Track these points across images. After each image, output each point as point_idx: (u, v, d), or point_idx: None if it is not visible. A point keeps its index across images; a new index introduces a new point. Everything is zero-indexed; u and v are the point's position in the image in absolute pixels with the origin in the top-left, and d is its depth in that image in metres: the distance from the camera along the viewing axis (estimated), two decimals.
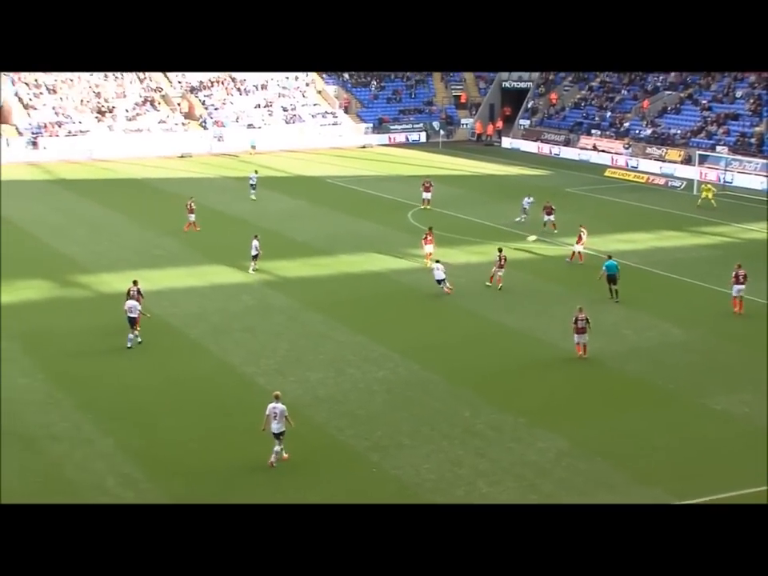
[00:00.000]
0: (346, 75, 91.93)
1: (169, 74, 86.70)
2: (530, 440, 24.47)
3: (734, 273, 35.07)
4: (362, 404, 26.78)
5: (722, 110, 72.64)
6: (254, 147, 77.18)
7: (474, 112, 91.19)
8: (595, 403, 27.23)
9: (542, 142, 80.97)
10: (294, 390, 27.10)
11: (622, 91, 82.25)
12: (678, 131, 72.98)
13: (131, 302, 31.27)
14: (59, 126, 76.90)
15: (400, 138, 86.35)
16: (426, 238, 41.58)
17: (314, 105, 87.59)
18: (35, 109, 78.52)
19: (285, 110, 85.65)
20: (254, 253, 40.16)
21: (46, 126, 76.34)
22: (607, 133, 77.70)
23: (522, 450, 23.88)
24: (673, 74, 79.40)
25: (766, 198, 58.04)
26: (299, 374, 28.86)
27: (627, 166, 70.90)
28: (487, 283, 38.27)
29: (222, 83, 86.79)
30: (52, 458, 23.51)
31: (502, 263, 37.89)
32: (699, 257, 44.36)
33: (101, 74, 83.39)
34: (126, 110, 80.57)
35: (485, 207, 55.36)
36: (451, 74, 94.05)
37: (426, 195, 54.83)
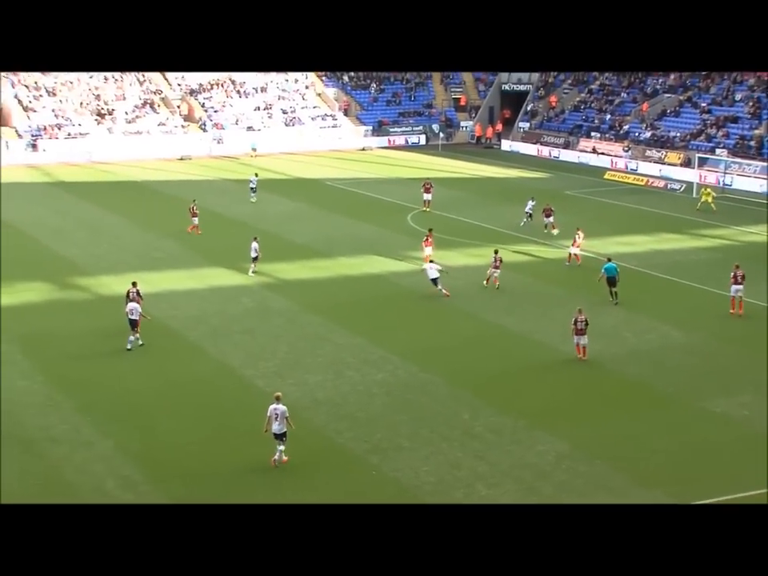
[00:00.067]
0: (346, 78, 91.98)
1: (168, 76, 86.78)
2: (529, 442, 24.46)
3: (732, 273, 35.18)
4: (361, 406, 26.77)
5: (722, 112, 72.68)
6: (254, 150, 77.25)
7: (473, 115, 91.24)
8: (595, 406, 27.23)
9: (541, 144, 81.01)
10: (293, 392, 27.08)
11: (622, 94, 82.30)
12: (678, 134, 73.02)
13: (132, 304, 31.29)
14: (59, 129, 76.92)
15: (399, 140, 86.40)
16: (426, 239, 41.63)
17: (314, 107, 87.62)
18: (35, 111, 78.54)
19: (284, 112, 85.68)
20: (253, 255, 40.19)
21: (45, 129, 76.36)
22: (607, 135, 77.75)
23: (522, 453, 23.87)
24: (672, 76, 79.49)
25: (765, 201, 58.08)
26: (298, 377, 28.85)
27: (627, 168, 70.93)
28: (483, 284, 38.41)
29: (222, 86, 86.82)
30: (51, 460, 23.50)
31: (498, 264, 38.08)
32: (698, 259, 44.38)
33: (100, 77, 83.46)
34: (126, 113, 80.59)
35: (484, 210, 55.38)
36: (451, 77, 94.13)
37: (427, 196, 54.94)
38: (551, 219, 48.30)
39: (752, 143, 67.97)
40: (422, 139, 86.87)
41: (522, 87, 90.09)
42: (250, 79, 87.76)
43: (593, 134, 78.73)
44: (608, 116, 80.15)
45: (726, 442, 24.79)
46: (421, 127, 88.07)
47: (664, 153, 71.44)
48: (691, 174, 64.32)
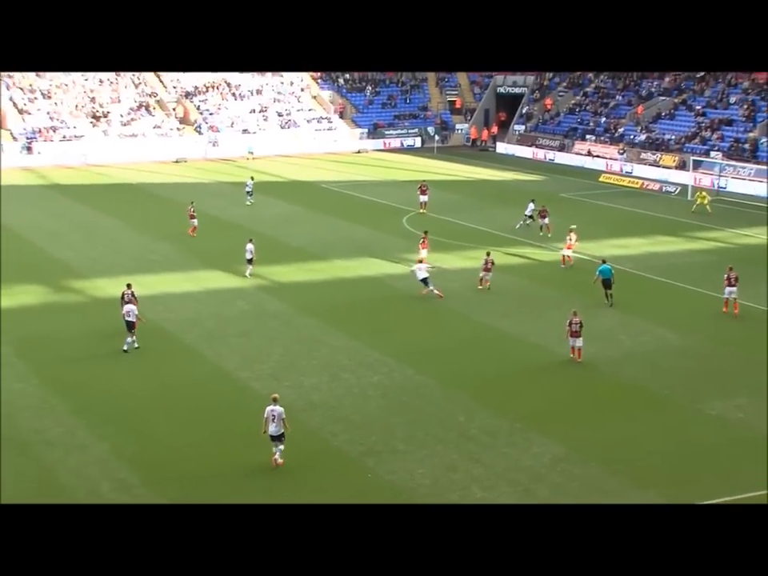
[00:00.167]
0: (341, 80, 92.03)
1: (163, 78, 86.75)
2: (524, 445, 24.46)
3: (725, 275, 35.31)
4: (357, 409, 26.75)
5: (716, 115, 72.79)
6: (251, 153, 77.31)
7: (468, 117, 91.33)
8: (590, 408, 27.23)
9: (536, 147, 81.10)
10: (289, 394, 27.03)
11: (617, 97, 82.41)
12: (673, 137, 73.12)
13: (129, 306, 31.26)
14: (54, 131, 76.85)
15: (395, 143, 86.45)
16: (423, 242, 41.67)
17: (309, 110, 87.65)
18: (30, 114, 78.47)
19: (280, 115, 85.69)
20: (248, 257, 40.22)
21: (40, 131, 76.29)
22: (602, 138, 77.83)
23: (517, 455, 23.86)
24: (667, 79, 79.61)
25: (760, 204, 58.19)
26: (294, 379, 28.83)
27: (622, 171, 71.01)
28: (478, 287, 38.47)
29: (217, 88, 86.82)
30: (46, 463, 23.44)
31: (489, 267, 38.18)
32: (693, 262, 44.44)
33: (95, 79, 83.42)
34: (121, 115, 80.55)
35: (480, 212, 55.39)
36: (446, 80, 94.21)
37: (423, 198, 55.06)
38: (546, 221, 48.50)
39: (746, 146, 68.08)
40: (418, 142, 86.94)
41: (517, 90, 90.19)
42: (246, 82, 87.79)
43: (588, 136, 78.81)
44: (603, 119, 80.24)
45: (722, 444, 24.81)
46: (416, 130, 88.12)
47: (659, 155, 71.53)
48: (686, 177, 64.41)
